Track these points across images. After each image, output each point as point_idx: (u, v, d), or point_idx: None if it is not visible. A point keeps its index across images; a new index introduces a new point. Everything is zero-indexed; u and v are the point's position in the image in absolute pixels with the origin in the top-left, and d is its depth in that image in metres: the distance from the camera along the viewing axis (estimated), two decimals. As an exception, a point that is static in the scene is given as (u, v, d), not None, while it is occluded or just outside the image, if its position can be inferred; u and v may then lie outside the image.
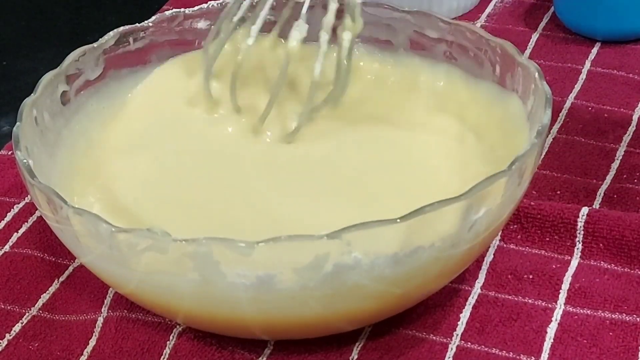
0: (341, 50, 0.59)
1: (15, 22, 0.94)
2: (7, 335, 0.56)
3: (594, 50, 0.77)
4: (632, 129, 0.69)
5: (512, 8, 0.82)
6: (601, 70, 0.75)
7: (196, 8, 0.64)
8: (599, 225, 0.59)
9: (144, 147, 0.61)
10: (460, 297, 0.56)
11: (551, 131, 0.68)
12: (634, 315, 0.55)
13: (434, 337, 0.54)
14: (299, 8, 0.61)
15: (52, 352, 0.55)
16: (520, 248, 0.59)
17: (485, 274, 0.58)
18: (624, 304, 0.56)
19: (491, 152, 0.58)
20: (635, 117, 0.70)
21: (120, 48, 0.62)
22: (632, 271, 0.58)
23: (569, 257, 0.59)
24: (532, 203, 0.60)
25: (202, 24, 0.64)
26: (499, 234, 0.59)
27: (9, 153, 0.69)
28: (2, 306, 0.58)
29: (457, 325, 0.55)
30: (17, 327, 0.57)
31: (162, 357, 0.54)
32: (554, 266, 0.58)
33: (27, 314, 0.57)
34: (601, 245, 0.58)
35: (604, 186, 0.64)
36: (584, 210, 0.59)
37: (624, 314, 0.55)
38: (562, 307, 0.56)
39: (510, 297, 0.56)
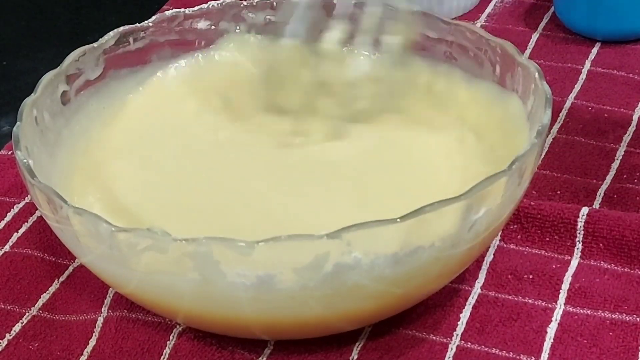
0: (387, 55, 0.59)
1: (15, 22, 0.95)
2: (7, 335, 0.56)
3: (594, 50, 0.77)
4: (632, 129, 0.69)
5: (512, 8, 0.82)
6: (601, 70, 0.75)
7: (196, 8, 0.64)
8: (599, 225, 0.59)
9: (144, 147, 0.61)
10: (460, 297, 0.56)
11: (551, 131, 0.68)
12: (634, 315, 0.55)
13: (434, 337, 0.54)
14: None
15: (52, 352, 0.55)
16: (520, 248, 0.59)
17: (485, 274, 0.58)
18: (624, 304, 0.56)
19: (491, 152, 0.58)
20: (635, 117, 0.70)
21: (121, 48, 0.62)
22: (632, 271, 0.58)
23: (569, 257, 0.59)
24: (532, 203, 0.60)
25: (202, 24, 0.64)
26: (499, 234, 0.59)
27: (9, 153, 0.69)
28: (2, 306, 0.58)
29: (457, 325, 0.55)
30: (17, 327, 0.57)
31: (162, 357, 0.54)
32: (554, 266, 0.58)
33: (27, 314, 0.57)
34: (601, 245, 0.58)
35: (604, 186, 0.64)
36: (584, 210, 0.59)
37: (624, 314, 0.55)
38: (562, 307, 0.56)
39: (510, 297, 0.56)
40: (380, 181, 0.58)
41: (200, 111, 0.64)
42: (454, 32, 0.62)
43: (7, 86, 0.84)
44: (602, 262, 0.58)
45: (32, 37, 0.92)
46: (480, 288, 0.57)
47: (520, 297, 0.56)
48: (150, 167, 0.60)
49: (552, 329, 0.54)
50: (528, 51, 0.77)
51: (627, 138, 0.68)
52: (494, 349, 0.53)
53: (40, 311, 0.58)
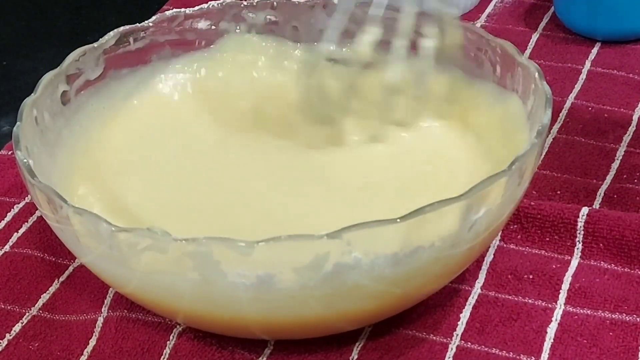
0: (421, 59, 0.58)
1: (15, 22, 0.95)
2: (7, 335, 0.56)
3: (594, 50, 0.77)
4: (632, 129, 0.69)
5: (512, 8, 0.82)
6: (601, 70, 0.75)
7: (196, 8, 0.64)
8: (599, 225, 0.59)
9: (144, 147, 0.61)
10: (460, 297, 0.56)
11: (551, 131, 0.68)
12: (634, 315, 0.55)
13: (434, 337, 0.54)
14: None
15: (52, 352, 0.55)
16: (520, 248, 0.59)
17: (485, 274, 0.58)
18: (624, 304, 0.56)
19: (491, 152, 0.58)
20: (635, 117, 0.70)
21: (121, 48, 0.62)
22: (632, 271, 0.58)
23: (569, 257, 0.59)
24: (532, 203, 0.60)
25: (202, 24, 0.64)
26: (499, 234, 0.59)
27: (9, 153, 0.69)
28: (2, 306, 0.58)
29: (457, 325, 0.55)
30: (17, 327, 0.57)
31: (162, 357, 0.54)
32: (554, 266, 0.58)
33: (27, 314, 0.57)
34: (601, 245, 0.58)
35: (604, 186, 0.64)
36: (584, 210, 0.59)
37: (624, 314, 0.55)
38: (562, 307, 0.56)
39: (510, 297, 0.56)
40: (380, 181, 0.58)
41: (200, 111, 0.63)
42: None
43: (7, 86, 0.84)
44: (602, 262, 0.58)
45: (32, 37, 0.92)
46: (480, 288, 0.57)
47: (520, 297, 0.56)
48: (150, 167, 0.60)
49: (552, 329, 0.54)
50: (528, 51, 0.77)
51: (627, 138, 0.68)
52: (494, 349, 0.53)
53: (40, 311, 0.58)
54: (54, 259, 0.61)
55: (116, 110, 0.62)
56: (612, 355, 0.53)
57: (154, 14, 0.66)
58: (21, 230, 0.63)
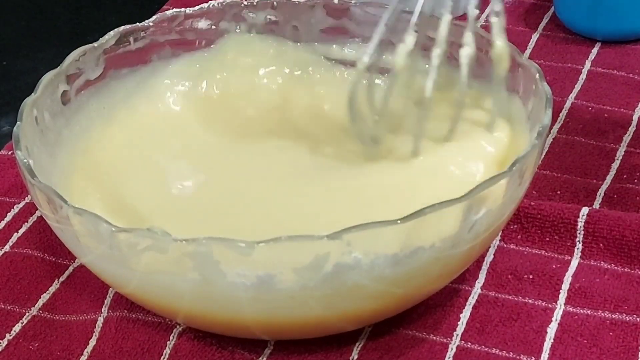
0: (461, 70, 0.56)
1: (15, 22, 0.95)
2: (7, 335, 0.56)
3: (594, 50, 0.77)
4: (632, 129, 0.69)
5: (512, 8, 0.82)
6: (601, 70, 0.75)
7: (197, 8, 0.64)
8: (599, 225, 0.59)
9: (144, 147, 0.61)
10: (461, 297, 0.56)
11: (551, 131, 0.68)
12: (634, 315, 0.55)
13: (434, 337, 0.54)
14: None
15: (52, 352, 0.55)
16: (520, 248, 0.59)
17: (486, 274, 0.58)
18: (624, 304, 0.56)
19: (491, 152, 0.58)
20: (635, 117, 0.70)
21: (121, 48, 0.62)
22: (632, 271, 0.58)
23: (569, 257, 0.59)
24: (532, 203, 0.60)
25: (202, 24, 0.64)
26: (499, 234, 0.59)
27: (9, 153, 0.69)
28: (2, 306, 0.58)
29: (457, 325, 0.55)
30: (17, 327, 0.57)
31: (162, 357, 0.54)
32: (554, 266, 0.58)
33: (27, 314, 0.57)
34: (601, 245, 0.58)
35: (604, 186, 0.64)
36: (584, 210, 0.59)
37: (624, 314, 0.55)
38: (562, 307, 0.56)
39: (510, 297, 0.56)
40: (381, 181, 0.58)
41: (200, 111, 0.63)
42: (454, 32, 0.61)
43: (7, 86, 0.84)
44: (602, 262, 0.58)
45: (32, 37, 0.92)
46: (481, 288, 0.57)
47: (520, 297, 0.56)
48: (150, 167, 0.60)
49: (552, 329, 0.54)
50: (528, 51, 0.77)
51: (627, 138, 0.68)
52: (494, 349, 0.53)
53: (40, 311, 0.58)
54: (54, 259, 0.61)
55: (116, 110, 0.62)
56: (612, 355, 0.53)
57: (154, 14, 0.66)
58: (21, 230, 0.63)
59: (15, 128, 0.54)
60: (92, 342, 0.55)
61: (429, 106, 0.56)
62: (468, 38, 0.56)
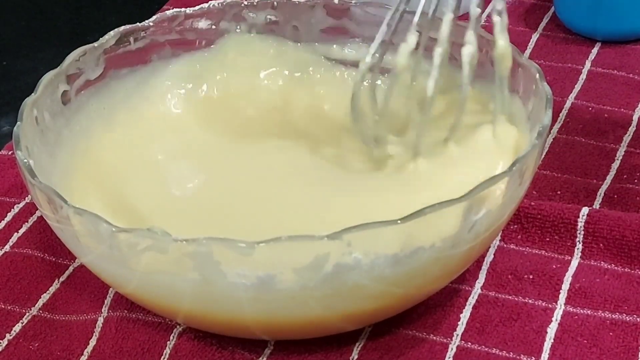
0: (464, 69, 0.56)
1: (15, 22, 0.95)
2: (7, 335, 0.56)
3: (594, 50, 0.77)
4: (632, 129, 0.69)
5: (512, 8, 0.82)
6: (601, 70, 0.75)
7: (197, 8, 0.64)
8: (599, 225, 0.59)
9: (144, 147, 0.61)
10: (461, 297, 0.56)
11: (551, 131, 0.68)
12: (634, 315, 0.55)
13: (434, 337, 0.54)
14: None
15: (52, 352, 0.55)
16: (520, 248, 0.59)
17: (486, 274, 0.58)
18: (624, 304, 0.56)
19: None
20: (635, 117, 0.70)
21: (121, 48, 0.62)
22: (632, 271, 0.58)
23: (569, 257, 0.59)
24: (533, 203, 0.60)
25: (202, 24, 0.64)
26: (499, 234, 0.59)
27: (10, 153, 0.69)
28: (2, 306, 0.58)
29: (457, 325, 0.55)
30: (17, 327, 0.57)
31: (162, 357, 0.54)
32: (554, 266, 0.58)
33: (27, 314, 0.57)
34: (601, 245, 0.58)
35: (604, 186, 0.64)
36: (584, 210, 0.59)
37: (624, 314, 0.55)
38: (562, 307, 0.56)
39: (510, 297, 0.56)
40: (381, 181, 0.58)
41: (200, 111, 0.63)
42: (454, 32, 0.61)
43: (7, 86, 0.84)
44: (602, 262, 0.58)
45: (32, 37, 0.92)
46: (481, 288, 0.57)
47: (520, 297, 0.56)
48: (150, 167, 0.60)
49: (552, 329, 0.54)
50: (528, 51, 0.77)
51: (627, 138, 0.68)
52: (494, 349, 0.53)
53: (41, 311, 0.58)
54: (54, 259, 0.61)
55: (116, 111, 0.62)
56: (612, 355, 0.53)
57: (154, 14, 0.66)
58: (21, 230, 0.63)
59: (15, 128, 0.54)
60: (92, 342, 0.55)
61: (431, 106, 0.56)
62: (470, 37, 0.56)
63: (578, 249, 0.59)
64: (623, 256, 0.58)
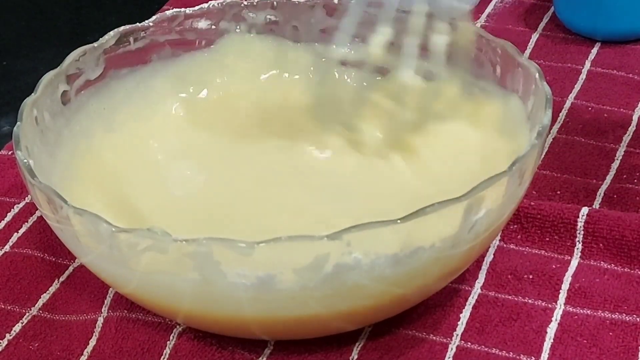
0: (433, 56, 0.58)
1: (15, 22, 0.95)
2: (7, 335, 0.56)
3: (594, 50, 0.77)
4: (632, 129, 0.69)
5: (512, 8, 0.82)
6: (601, 70, 0.75)
7: (197, 8, 0.64)
8: (599, 225, 0.59)
9: (144, 147, 0.61)
10: (460, 297, 0.56)
11: (551, 131, 0.68)
12: (634, 315, 0.55)
13: (434, 337, 0.54)
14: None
15: (52, 352, 0.55)
16: (520, 248, 0.59)
17: (485, 274, 0.58)
18: (624, 304, 0.56)
19: (491, 152, 0.58)
20: (635, 117, 0.70)
21: (121, 48, 0.62)
22: (632, 271, 0.58)
23: (569, 257, 0.59)
24: (532, 203, 0.60)
25: (202, 24, 0.64)
26: (499, 234, 0.59)
27: (9, 153, 0.69)
28: (2, 306, 0.58)
29: (457, 325, 0.55)
30: (17, 327, 0.57)
31: (162, 357, 0.54)
32: (554, 266, 0.58)
33: (27, 314, 0.57)
34: (601, 245, 0.58)
35: (604, 186, 0.64)
36: (584, 210, 0.59)
37: (624, 314, 0.55)
38: (562, 307, 0.56)
39: (510, 297, 0.56)
40: (381, 181, 0.58)
41: (201, 112, 0.63)
42: (454, 32, 0.62)
43: (7, 86, 0.84)
44: (602, 262, 0.58)
45: (32, 37, 0.92)
46: (480, 288, 0.57)
47: (520, 297, 0.56)
48: (150, 167, 0.60)
49: (552, 329, 0.54)
50: (528, 51, 0.77)
51: (627, 138, 0.68)
52: (494, 349, 0.53)
53: (40, 311, 0.58)
54: (54, 259, 0.61)
55: (116, 111, 0.62)
56: (612, 355, 0.53)
57: (154, 14, 0.66)
58: (21, 230, 0.63)
59: (15, 128, 0.54)
60: (92, 342, 0.55)
61: (407, 96, 0.57)
62: (442, 26, 0.57)
63: (578, 248, 0.59)
64: (623, 256, 0.58)
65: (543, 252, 0.59)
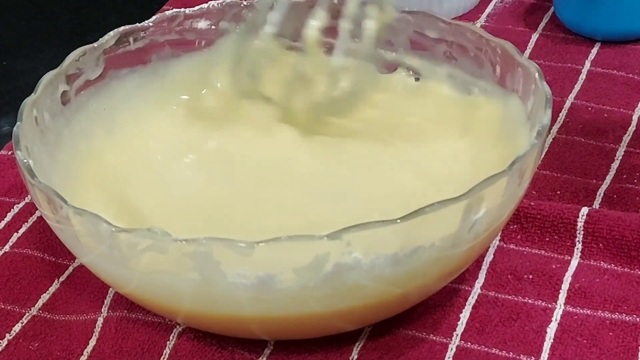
0: (366, 41, 0.60)
1: (15, 22, 0.95)
2: (7, 335, 0.56)
3: (594, 50, 0.77)
4: (632, 129, 0.69)
5: (512, 8, 0.82)
6: (601, 70, 0.75)
7: (196, 8, 0.64)
8: (598, 225, 0.59)
9: (144, 147, 0.61)
10: (460, 297, 0.56)
11: (551, 131, 0.68)
12: (634, 315, 0.55)
13: (434, 337, 0.54)
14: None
15: (52, 352, 0.55)
16: (520, 248, 0.59)
17: (485, 274, 0.58)
18: (624, 304, 0.56)
19: (491, 152, 0.58)
20: (635, 117, 0.70)
21: (121, 48, 0.62)
22: (632, 271, 0.58)
23: (569, 257, 0.59)
24: (532, 203, 0.60)
25: (202, 24, 0.64)
26: (499, 234, 0.59)
27: (9, 153, 0.69)
28: (2, 306, 0.58)
29: (457, 325, 0.55)
30: (17, 327, 0.57)
31: (162, 357, 0.54)
32: (554, 266, 0.58)
33: (27, 314, 0.57)
34: (601, 245, 0.58)
35: (604, 186, 0.64)
36: (584, 210, 0.59)
37: (624, 314, 0.55)
38: (562, 307, 0.56)
39: (510, 297, 0.56)
40: (381, 181, 0.58)
41: (201, 112, 0.63)
42: (454, 32, 0.62)
43: (7, 86, 0.84)
44: (602, 262, 0.58)
45: (32, 37, 0.92)
46: (480, 288, 0.57)
47: (520, 297, 0.56)
48: (150, 167, 0.60)
49: (552, 329, 0.54)
50: (528, 51, 0.77)
51: (627, 138, 0.68)
52: (494, 349, 0.53)
53: (40, 311, 0.58)
54: (54, 259, 0.61)
55: (116, 111, 0.62)
56: (612, 355, 0.53)
57: (154, 14, 0.66)
58: (21, 230, 0.63)
59: (15, 128, 0.54)
60: (92, 342, 0.55)
61: (336, 79, 0.58)
62: (372, 12, 0.60)
63: (578, 248, 0.59)
64: (623, 256, 0.58)
65: (543, 252, 0.59)
